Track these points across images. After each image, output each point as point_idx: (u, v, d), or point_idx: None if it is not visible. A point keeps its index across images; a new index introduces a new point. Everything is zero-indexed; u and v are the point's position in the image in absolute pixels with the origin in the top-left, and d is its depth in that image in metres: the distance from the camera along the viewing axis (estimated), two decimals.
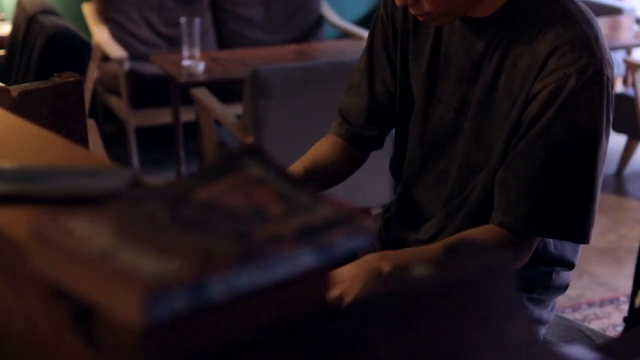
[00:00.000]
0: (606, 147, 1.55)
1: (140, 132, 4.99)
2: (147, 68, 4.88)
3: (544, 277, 1.71)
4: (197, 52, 4.28)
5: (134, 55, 5.07)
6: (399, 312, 0.65)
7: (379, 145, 1.84)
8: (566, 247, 1.70)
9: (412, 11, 1.55)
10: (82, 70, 3.36)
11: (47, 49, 3.34)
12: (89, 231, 0.61)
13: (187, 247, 0.60)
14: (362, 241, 0.64)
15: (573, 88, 1.47)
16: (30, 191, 0.77)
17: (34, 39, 3.59)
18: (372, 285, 1.45)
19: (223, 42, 5.55)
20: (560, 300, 3.35)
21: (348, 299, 1.44)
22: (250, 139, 3.29)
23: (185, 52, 4.28)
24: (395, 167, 1.84)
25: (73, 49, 3.33)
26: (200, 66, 4.10)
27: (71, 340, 0.62)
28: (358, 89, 1.79)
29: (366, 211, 0.64)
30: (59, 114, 2.05)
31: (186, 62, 4.11)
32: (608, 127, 1.54)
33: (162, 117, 4.82)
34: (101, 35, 5.10)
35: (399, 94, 1.75)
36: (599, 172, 1.53)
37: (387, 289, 1.32)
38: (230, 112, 3.58)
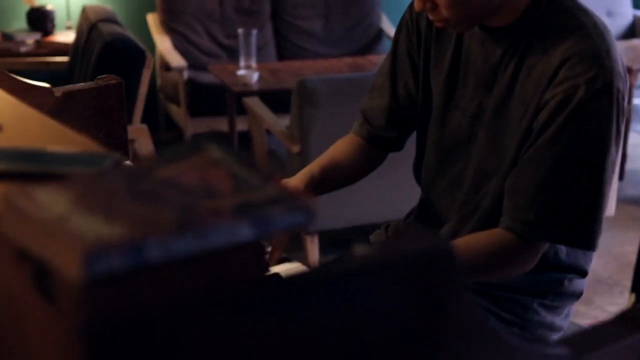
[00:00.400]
0: (615, 157, 1.57)
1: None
2: (206, 77, 5.00)
3: (555, 284, 1.74)
4: (253, 62, 4.38)
5: (194, 65, 5.19)
6: (333, 286, 0.70)
7: (398, 147, 1.89)
8: (579, 255, 1.73)
9: (430, 17, 1.61)
10: (137, 76, 3.47)
11: (104, 55, 3.46)
12: (50, 200, 0.68)
13: (134, 215, 0.66)
14: (300, 219, 0.70)
15: (582, 98, 1.50)
16: (22, 170, 0.85)
17: (93, 46, 3.72)
18: None
19: (283, 55, 5.64)
20: (604, 318, 3.35)
21: None
22: (296, 147, 3.36)
23: (242, 62, 4.38)
24: (417, 171, 1.89)
25: (128, 55, 3.45)
26: (255, 76, 4.19)
27: (35, 299, 0.69)
28: (381, 91, 1.85)
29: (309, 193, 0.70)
30: (100, 115, 2.14)
31: (241, 72, 4.21)
32: (618, 137, 1.56)
33: (218, 125, 4.93)
34: (163, 45, 5.24)
35: (420, 98, 1.80)
36: (607, 181, 1.56)
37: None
38: (278, 121, 3.66)
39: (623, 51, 5.36)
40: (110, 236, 0.63)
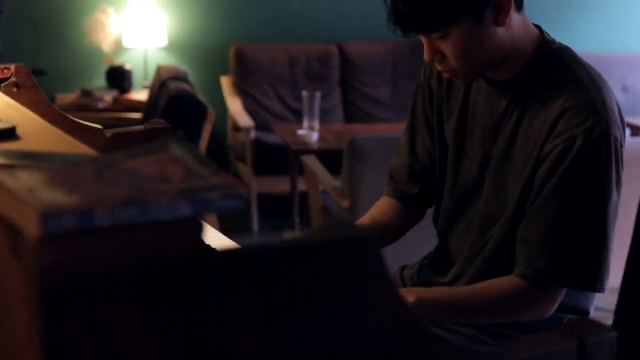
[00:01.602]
0: (617, 202, 1.66)
1: (263, 198, 5.27)
2: (272, 138, 5.19)
3: (555, 323, 1.81)
4: (316, 124, 4.54)
5: (263, 126, 5.39)
6: (262, 264, 0.83)
7: (428, 203, 2.00)
8: (580, 296, 1.81)
9: (439, 67, 1.73)
10: (198, 130, 3.66)
11: (168, 109, 3.66)
12: (28, 177, 0.83)
13: (92, 191, 0.80)
14: (234, 203, 0.83)
15: (580, 148, 1.60)
16: (21, 164, 1.00)
17: (161, 102, 3.93)
18: None
19: (350, 119, 5.81)
20: None
21: None
22: (346, 203, 3.48)
23: (306, 123, 4.55)
24: (436, 219, 1.99)
25: (190, 110, 3.64)
26: (314, 136, 4.35)
27: (10, 257, 0.83)
28: (402, 150, 1.97)
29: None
30: None
31: (301, 132, 4.38)
32: (619, 183, 1.65)
33: (282, 185, 5.09)
34: (234, 106, 5.46)
35: (438, 152, 1.91)
36: (611, 226, 1.64)
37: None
38: (334, 180, 3.79)
39: None
40: (67, 203, 0.77)
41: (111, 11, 5.43)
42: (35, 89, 2.13)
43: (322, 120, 5.06)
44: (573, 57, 1.71)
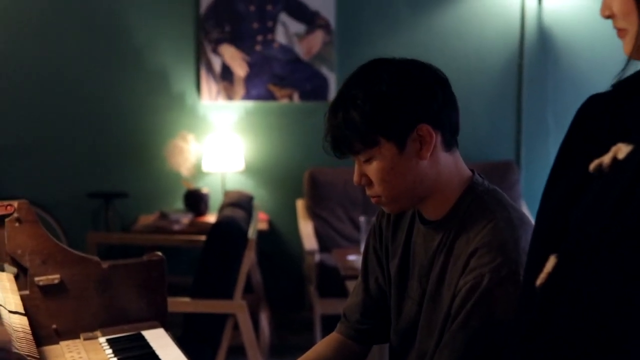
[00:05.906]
0: None
1: (327, 319, 5.37)
2: (334, 260, 5.31)
3: None
4: None
5: (331, 249, 5.53)
6: None
7: (377, 339, 2.07)
8: None
9: (367, 192, 1.84)
10: (239, 256, 3.82)
11: (211, 235, 3.85)
12: None
13: None
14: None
15: (487, 285, 1.67)
16: None
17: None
18: None
19: None
20: None
21: None
22: None
23: (363, 247, 4.66)
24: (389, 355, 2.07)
25: (231, 237, 3.82)
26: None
27: None
28: (357, 290, 2.07)
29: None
30: (143, 286, 2.46)
31: (351, 257, 4.48)
32: None
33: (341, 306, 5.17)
34: (306, 229, 5.63)
35: (388, 289, 2.01)
36: None
37: None
38: None
39: None
40: None
41: (191, 137, 5.71)
42: (36, 223, 2.33)
43: None
44: (497, 199, 1.80)
